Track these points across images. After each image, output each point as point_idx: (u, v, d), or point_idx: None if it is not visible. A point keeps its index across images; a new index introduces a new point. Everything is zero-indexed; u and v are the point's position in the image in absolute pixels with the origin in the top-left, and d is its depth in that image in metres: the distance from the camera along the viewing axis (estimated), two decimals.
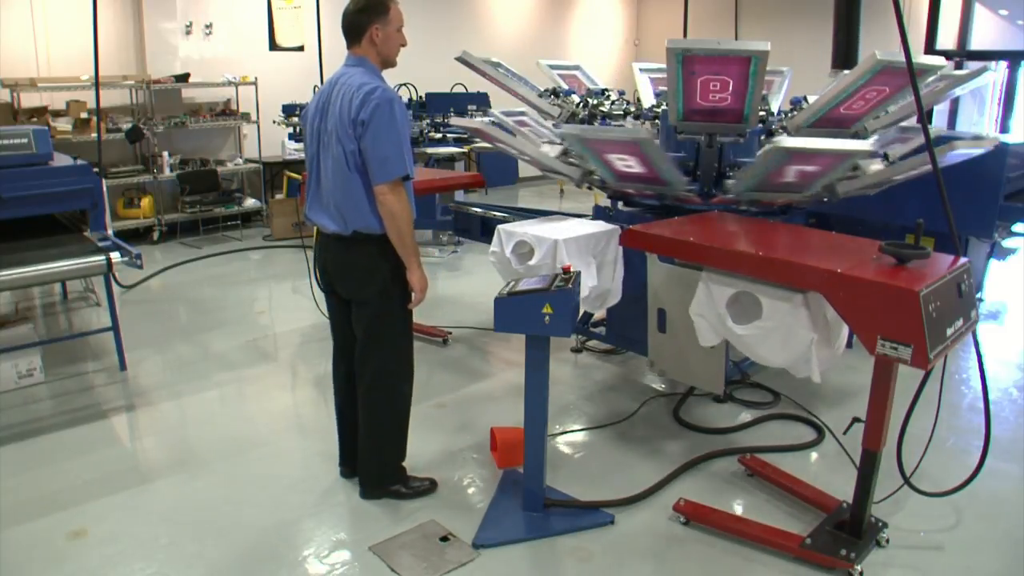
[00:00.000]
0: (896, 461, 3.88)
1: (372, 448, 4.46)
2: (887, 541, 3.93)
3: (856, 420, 3.94)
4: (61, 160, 6.45)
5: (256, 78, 12.07)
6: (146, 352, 6.85)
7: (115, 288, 6.55)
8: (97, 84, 7.68)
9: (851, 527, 3.88)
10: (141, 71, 11.49)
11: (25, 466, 4.85)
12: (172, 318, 8.04)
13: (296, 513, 4.34)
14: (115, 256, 5.84)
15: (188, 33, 11.93)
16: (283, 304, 8.60)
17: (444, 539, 4.07)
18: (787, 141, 4.42)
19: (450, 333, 7.04)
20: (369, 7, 4.08)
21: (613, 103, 5.83)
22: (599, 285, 5.10)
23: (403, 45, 4.22)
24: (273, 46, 12.82)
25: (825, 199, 5.06)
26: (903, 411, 3.89)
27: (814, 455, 4.96)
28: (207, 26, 12.10)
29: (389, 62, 4.19)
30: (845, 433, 4.21)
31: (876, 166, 5.09)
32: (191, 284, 9.18)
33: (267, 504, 4.43)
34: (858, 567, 3.70)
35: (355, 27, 4.09)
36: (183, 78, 11.55)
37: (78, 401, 5.84)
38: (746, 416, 5.42)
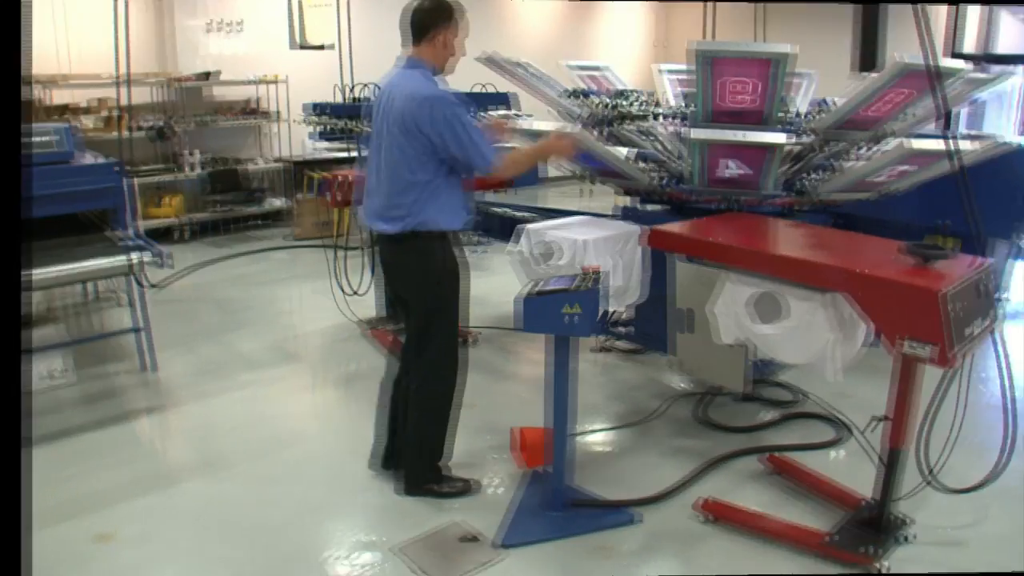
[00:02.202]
0: (919, 458, 3.92)
1: (417, 445, 4.52)
2: (913, 537, 3.97)
3: (878, 418, 3.98)
4: (86, 159, 6.43)
5: (287, 76, 12.11)
6: (173, 352, 6.81)
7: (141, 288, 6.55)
8: (129, 81, 7.79)
9: (875, 524, 3.95)
10: (164, 68, 11.53)
11: (54, 468, 4.86)
12: (198, 318, 8.07)
13: (322, 513, 4.41)
14: (145, 256, 5.85)
15: (214, 30, 12.01)
16: (309, 304, 8.69)
17: (469, 539, 4.12)
18: (915, 143, 4.53)
19: (479, 333, 7.08)
20: (439, 8, 4.17)
21: (641, 104, 5.88)
22: (619, 283, 5.17)
23: (462, 55, 4.33)
24: (302, 44, 12.83)
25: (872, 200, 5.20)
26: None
27: (838, 453, 5.02)
28: (232, 23, 12.18)
29: (441, 69, 4.27)
30: (869, 431, 4.27)
31: (851, 163, 5.22)
32: (217, 284, 9.26)
33: (294, 505, 4.48)
34: (884, 563, 3.76)
35: (421, 25, 4.16)
36: (205, 76, 11.57)
37: (107, 402, 5.87)
38: (770, 415, 5.47)
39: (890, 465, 3.88)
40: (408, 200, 4.16)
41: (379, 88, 4.47)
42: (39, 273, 5.47)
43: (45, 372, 5.83)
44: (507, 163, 4.32)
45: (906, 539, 3.95)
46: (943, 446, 3.87)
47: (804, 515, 4.28)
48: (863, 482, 4.23)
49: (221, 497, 4.58)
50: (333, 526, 4.32)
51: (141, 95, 11.29)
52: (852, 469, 4.64)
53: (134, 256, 5.81)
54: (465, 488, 4.57)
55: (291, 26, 12.83)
